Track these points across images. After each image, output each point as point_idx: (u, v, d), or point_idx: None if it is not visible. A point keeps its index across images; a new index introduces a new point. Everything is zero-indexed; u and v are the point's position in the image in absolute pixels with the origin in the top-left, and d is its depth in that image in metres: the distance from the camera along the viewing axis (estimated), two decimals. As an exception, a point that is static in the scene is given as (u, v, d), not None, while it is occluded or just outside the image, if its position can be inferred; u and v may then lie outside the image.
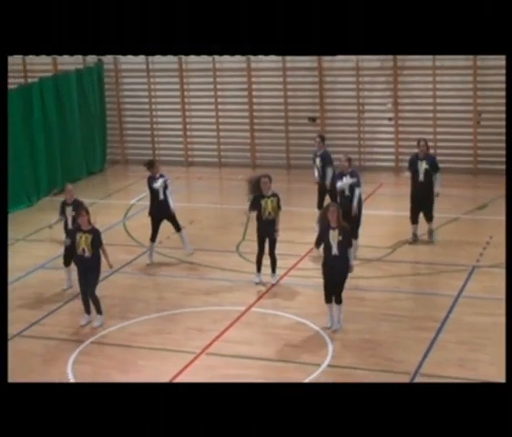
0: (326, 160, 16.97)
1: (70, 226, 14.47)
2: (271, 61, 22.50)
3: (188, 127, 23.93)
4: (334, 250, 12.51)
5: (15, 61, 23.72)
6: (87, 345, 12.85)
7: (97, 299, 13.38)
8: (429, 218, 16.42)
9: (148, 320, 13.67)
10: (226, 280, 15.10)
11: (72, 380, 11.67)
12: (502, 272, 12.39)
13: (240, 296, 14.33)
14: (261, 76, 23.21)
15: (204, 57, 22.10)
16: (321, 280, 12.87)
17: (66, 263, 14.83)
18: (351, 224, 13.70)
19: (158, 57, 23.03)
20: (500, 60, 18.16)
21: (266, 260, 14.72)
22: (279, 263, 14.82)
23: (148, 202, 16.29)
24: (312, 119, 22.83)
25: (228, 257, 16.26)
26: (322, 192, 17.04)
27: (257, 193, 14.58)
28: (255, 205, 14.56)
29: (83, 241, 13.23)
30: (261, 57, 22.13)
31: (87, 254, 13.23)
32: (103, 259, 13.37)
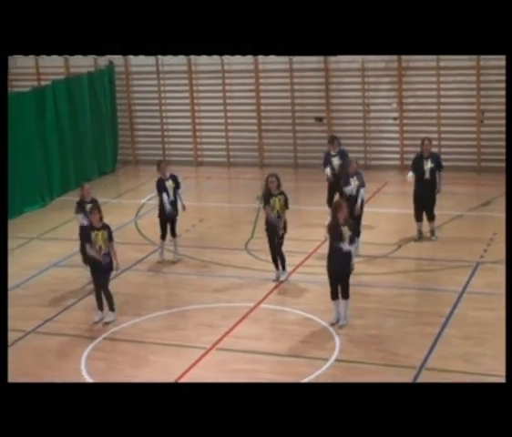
0: (345, 158, 17.01)
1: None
2: (278, 62, 22.54)
3: (197, 127, 24.04)
4: (346, 246, 12.64)
5: (28, 64, 23.94)
6: (100, 341, 12.94)
7: (110, 295, 13.48)
8: (431, 217, 16.55)
9: (160, 316, 13.76)
10: (235, 277, 15.18)
11: (85, 375, 11.82)
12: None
13: (249, 292, 14.43)
14: (268, 78, 23.29)
15: (213, 59, 22.23)
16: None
17: (86, 261, 14.58)
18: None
19: (167, 60, 23.25)
20: (502, 60, 18.10)
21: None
22: (287, 260, 14.93)
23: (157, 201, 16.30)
24: (319, 119, 22.97)
25: (237, 254, 16.36)
26: (333, 189, 17.14)
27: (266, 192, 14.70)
28: (266, 202, 14.64)
29: (99, 238, 13.31)
30: (268, 59, 22.25)
31: (105, 250, 13.35)
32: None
